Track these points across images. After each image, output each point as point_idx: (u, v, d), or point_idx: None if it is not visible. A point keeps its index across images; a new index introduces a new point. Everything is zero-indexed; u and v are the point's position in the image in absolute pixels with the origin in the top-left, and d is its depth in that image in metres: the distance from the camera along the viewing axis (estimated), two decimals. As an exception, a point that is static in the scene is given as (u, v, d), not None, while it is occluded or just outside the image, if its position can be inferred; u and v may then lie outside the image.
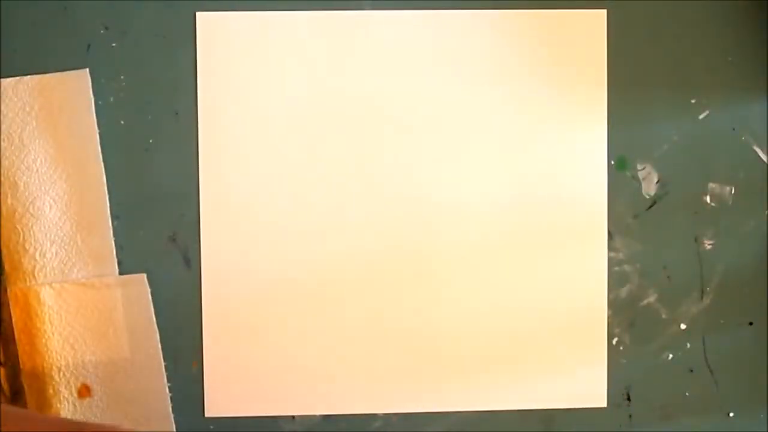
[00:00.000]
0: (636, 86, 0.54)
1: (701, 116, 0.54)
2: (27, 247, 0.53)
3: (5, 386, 0.52)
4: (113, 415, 0.53)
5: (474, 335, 0.54)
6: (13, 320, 0.52)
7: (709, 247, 0.55)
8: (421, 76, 0.53)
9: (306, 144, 0.53)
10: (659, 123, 0.54)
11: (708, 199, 0.55)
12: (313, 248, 0.53)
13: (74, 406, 0.53)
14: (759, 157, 0.55)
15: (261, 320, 0.53)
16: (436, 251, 0.53)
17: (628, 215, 0.54)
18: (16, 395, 0.52)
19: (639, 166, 0.54)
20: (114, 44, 0.53)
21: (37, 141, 0.52)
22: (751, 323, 0.55)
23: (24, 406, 0.52)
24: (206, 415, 0.53)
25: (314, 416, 0.53)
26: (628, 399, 0.55)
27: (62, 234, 0.53)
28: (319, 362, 0.53)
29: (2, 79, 0.52)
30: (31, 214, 0.53)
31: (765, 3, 0.54)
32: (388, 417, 0.54)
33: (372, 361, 0.54)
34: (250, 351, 0.53)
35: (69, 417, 0.53)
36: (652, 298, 0.55)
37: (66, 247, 0.53)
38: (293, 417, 0.54)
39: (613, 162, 0.54)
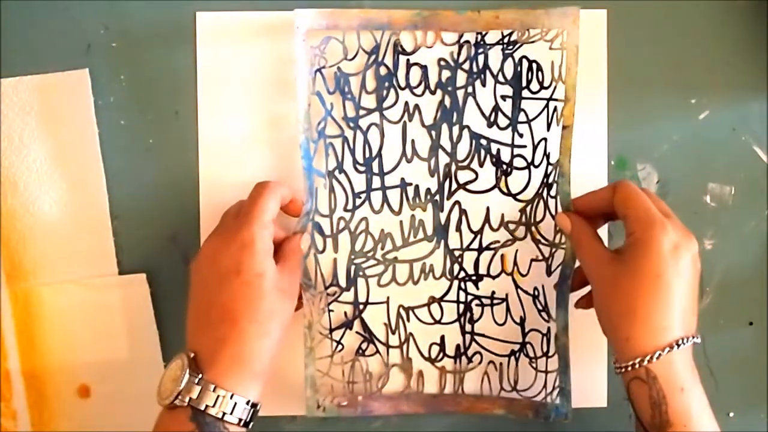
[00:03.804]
0: (636, 86, 0.54)
1: (701, 116, 0.54)
2: (27, 247, 0.53)
3: None
4: (113, 415, 0.53)
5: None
6: (13, 320, 0.52)
7: (709, 247, 0.55)
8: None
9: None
10: (659, 123, 0.54)
11: (708, 199, 0.55)
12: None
13: (74, 406, 0.53)
14: (759, 157, 0.55)
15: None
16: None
17: (628, 215, 0.54)
18: None
19: (639, 166, 0.54)
20: (114, 44, 0.53)
21: (37, 141, 0.52)
22: (751, 323, 0.55)
23: None
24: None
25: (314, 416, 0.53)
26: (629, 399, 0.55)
27: (62, 234, 0.53)
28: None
29: (2, 79, 0.52)
30: (31, 214, 0.53)
31: (765, 3, 0.54)
32: (387, 417, 0.54)
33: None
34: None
35: (68, 417, 0.53)
36: (652, 298, 0.55)
37: (66, 247, 0.53)
38: (294, 417, 0.54)
39: (613, 162, 0.54)
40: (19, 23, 0.52)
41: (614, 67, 0.54)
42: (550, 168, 0.52)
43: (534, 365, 0.53)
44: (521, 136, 0.53)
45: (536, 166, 0.53)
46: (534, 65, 0.52)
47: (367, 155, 0.53)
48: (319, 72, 0.51)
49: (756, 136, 0.55)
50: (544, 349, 0.53)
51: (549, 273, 0.53)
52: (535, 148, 0.53)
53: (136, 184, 0.53)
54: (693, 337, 0.44)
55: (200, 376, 0.43)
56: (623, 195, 0.46)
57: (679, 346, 0.43)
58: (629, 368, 0.44)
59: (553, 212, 0.52)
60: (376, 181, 0.53)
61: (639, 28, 0.54)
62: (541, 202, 0.53)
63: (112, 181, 0.53)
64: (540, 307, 0.53)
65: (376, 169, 0.53)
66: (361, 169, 0.53)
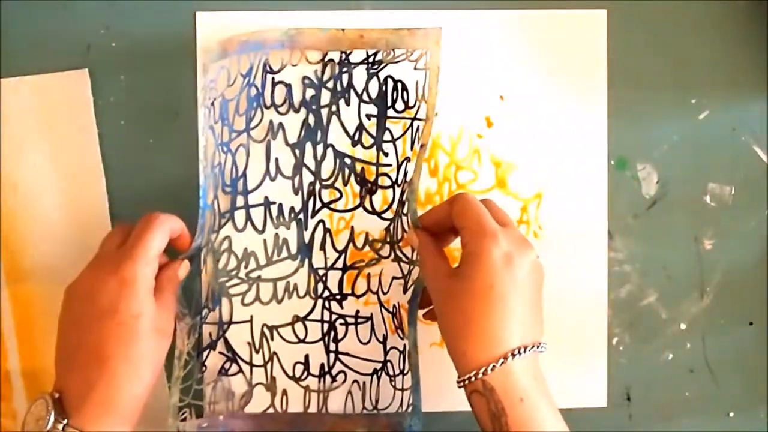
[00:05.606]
0: (636, 86, 0.54)
1: (701, 116, 0.54)
2: (27, 248, 0.53)
3: None
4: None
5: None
6: (13, 320, 0.52)
7: (709, 247, 0.55)
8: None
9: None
10: (659, 123, 0.54)
11: (708, 199, 0.55)
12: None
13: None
14: (759, 157, 0.55)
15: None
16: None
17: (628, 215, 0.54)
18: None
19: (639, 166, 0.54)
20: (114, 44, 0.53)
21: (37, 141, 0.52)
22: (751, 323, 0.55)
23: None
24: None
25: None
26: (628, 399, 0.55)
27: (62, 234, 0.53)
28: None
29: (2, 79, 0.52)
30: (31, 215, 0.53)
31: (765, 3, 0.54)
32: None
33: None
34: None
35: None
36: (652, 298, 0.55)
37: (66, 247, 0.53)
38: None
39: (613, 162, 0.54)
40: (19, 23, 0.52)
41: (614, 67, 0.54)
42: (405, 186, 0.52)
43: (393, 383, 0.53)
44: (386, 155, 0.52)
45: (399, 185, 0.52)
46: (399, 85, 0.52)
47: (234, 176, 0.52)
48: (213, 104, 0.50)
49: (756, 136, 0.55)
50: (401, 367, 0.53)
51: (405, 290, 0.52)
52: (399, 167, 0.52)
53: (136, 184, 0.53)
54: (536, 347, 0.42)
55: (65, 421, 0.42)
56: (459, 208, 0.45)
57: (514, 356, 0.41)
58: (467, 382, 0.42)
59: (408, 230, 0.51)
60: (240, 200, 0.52)
61: (639, 28, 0.54)
62: (399, 221, 0.52)
63: (112, 181, 0.53)
64: (396, 325, 0.53)
65: (240, 188, 0.52)
66: (228, 190, 0.52)
